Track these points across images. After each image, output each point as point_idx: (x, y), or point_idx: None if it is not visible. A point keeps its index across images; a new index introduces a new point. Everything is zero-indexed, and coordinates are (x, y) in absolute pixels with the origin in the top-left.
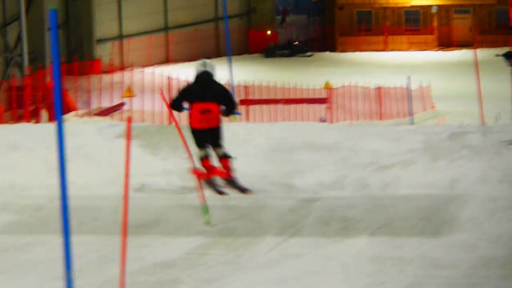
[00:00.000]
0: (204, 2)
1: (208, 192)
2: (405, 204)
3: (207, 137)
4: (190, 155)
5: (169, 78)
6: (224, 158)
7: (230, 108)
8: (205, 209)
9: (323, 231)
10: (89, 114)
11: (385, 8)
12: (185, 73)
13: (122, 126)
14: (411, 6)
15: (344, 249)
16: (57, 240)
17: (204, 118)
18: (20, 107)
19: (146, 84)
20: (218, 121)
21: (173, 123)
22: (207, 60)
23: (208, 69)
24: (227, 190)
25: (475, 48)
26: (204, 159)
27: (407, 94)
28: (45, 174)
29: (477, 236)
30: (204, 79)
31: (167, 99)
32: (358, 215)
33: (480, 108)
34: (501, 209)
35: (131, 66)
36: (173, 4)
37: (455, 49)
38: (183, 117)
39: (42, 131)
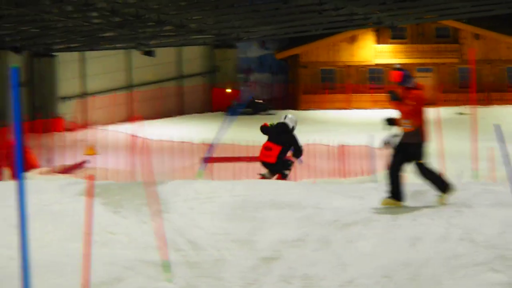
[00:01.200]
0: (167, 60)
1: (170, 249)
2: (368, 261)
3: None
4: (153, 213)
5: (132, 136)
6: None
7: (296, 152)
8: (166, 266)
9: None
10: (52, 171)
11: (349, 66)
12: (149, 130)
13: (84, 184)
14: (375, 65)
15: None
16: None
17: (265, 153)
18: None
19: (109, 141)
20: (275, 159)
21: (138, 180)
22: (290, 115)
23: (286, 121)
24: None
25: (437, 106)
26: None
27: (370, 152)
28: (5, 232)
29: None
30: (279, 127)
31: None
32: (321, 273)
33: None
34: (461, 267)
35: (95, 123)
36: (137, 62)
37: None
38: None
39: (3, 189)
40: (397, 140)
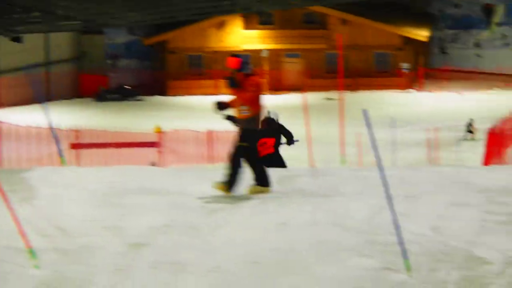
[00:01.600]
0: (34, 46)
1: (38, 236)
2: (235, 247)
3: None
4: (20, 199)
5: None
6: None
7: (288, 137)
8: (33, 253)
9: (154, 275)
10: None
11: (217, 52)
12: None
13: None
14: (242, 50)
15: None
16: None
17: (263, 148)
18: None
19: None
20: (274, 149)
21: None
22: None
23: (271, 116)
24: None
25: (304, 92)
26: None
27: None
28: None
29: (305, 279)
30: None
31: None
32: (189, 259)
33: (310, 151)
34: (329, 252)
35: None
36: (3, 48)
37: (285, 93)
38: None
39: None
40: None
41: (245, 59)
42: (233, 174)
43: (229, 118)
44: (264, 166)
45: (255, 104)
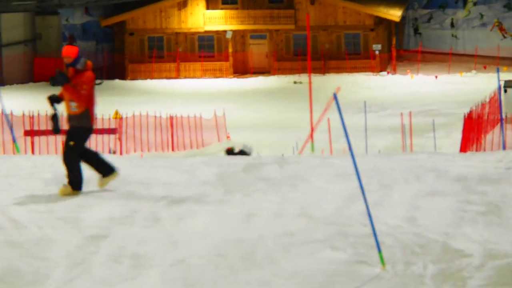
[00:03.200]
0: None
1: None
2: (200, 239)
3: None
4: None
5: None
6: None
7: None
8: None
9: (113, 268)
10: None
11: (178, 33)
12: None
13: None
14: (205, 31)
15: None
16: None
17: None
18: None
19: None
20: None
21: None
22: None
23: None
24: None
25: (271, 74)
26: None
27: (200, 124)
28: None
29: (273, 273)
30: None
31: None
32: (150, 251)
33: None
34: (297, 244)
35: None
36: None
37: (251, 76)
38: None
39: None
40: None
41: (81, 53)
42: (74, 172)
43: (54, 116)
44: (97, 155)
45: (87, 100)
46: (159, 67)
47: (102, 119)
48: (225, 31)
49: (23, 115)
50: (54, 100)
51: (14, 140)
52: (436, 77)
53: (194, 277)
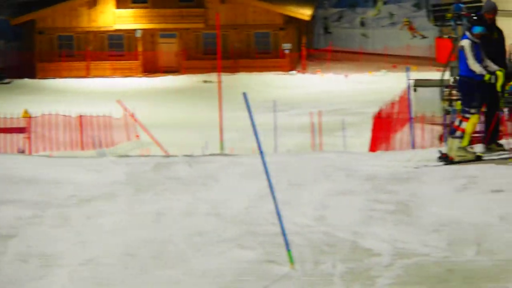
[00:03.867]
0: None
1: None
2: (109, 238)
3: None
4: None
5: None
6: None
7: None
8: None
9: (21, 268)
10: None
11: (88, 32)
12: None
13: None
14: (115, 30)
15: None
16: None
17: None
18: None
19: None
20: None
21: None
22: None
23: None
24: None
25: (181, 74)
26: None
27: (110, 123)
28: None
29: (183, 272)
30: None
31: None
32: (59, 251)
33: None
34: (207, 244)
35: None
36: None
37: (161, 75)
38: None
39: None
40: None
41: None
42: None
43: None
44: None
45: None
46: (69, 66)
47: (11, 118)
48: (135, 30)
49: None
50: None
51: None
52: (346, 76)
53: (103, 276)
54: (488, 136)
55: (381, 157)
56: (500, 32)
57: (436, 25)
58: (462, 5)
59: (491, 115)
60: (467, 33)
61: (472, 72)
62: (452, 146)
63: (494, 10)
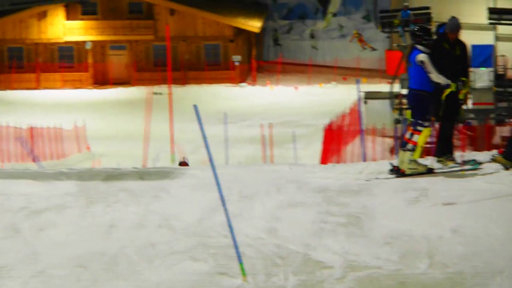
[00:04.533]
0: None
1: None
2: (61, 250)
3: None
4: None
5: None
6: None
7: None
8: None
9: None
10: None
11: (37, 44)
12: None
13: None
14: (65, 42)
15: None
16: None
17: None
18: None
19: None
20: None
21: None
22: None
23: None
24: None
25: (131, 85)
26: None
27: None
28: None
29: (136, 284)
30: None
31: None
32: (10, 263)
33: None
34: (159, 256)
35: None
36: None
37: (111, 87)
38: None
39: None
40: None
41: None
42: None
43: None
44: None
45: None
46: (19, 78)
47: None
48: (85, 42)
49: None
50: None
51: None
52: (296, 88)
53: None
54: (442, 148)
55: (332, 170)
56: (463, 47)
57: (383, 32)
58: (409, 12)
59: (448, 127)
60: (419, 47)
61: (427, 84)
62: (404, 159)
63: (458, 29)
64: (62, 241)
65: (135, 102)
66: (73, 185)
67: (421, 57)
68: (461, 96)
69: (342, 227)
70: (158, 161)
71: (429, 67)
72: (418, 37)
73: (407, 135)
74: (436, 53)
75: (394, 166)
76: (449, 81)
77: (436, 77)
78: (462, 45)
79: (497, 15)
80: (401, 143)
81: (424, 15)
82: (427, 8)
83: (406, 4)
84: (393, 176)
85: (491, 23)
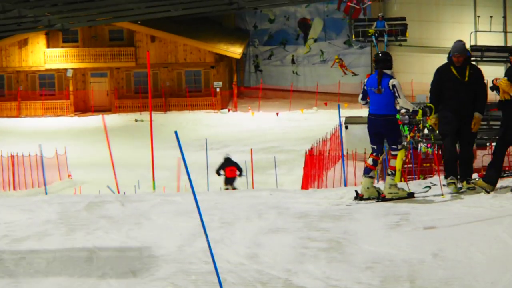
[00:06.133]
0: None
1: None
2: (42, 278)
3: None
4: None
5: None
6: None
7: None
8: None
9: None
10: None
11: (19, 72)
12: None
13: None
14: (46, 70)
15: None
16: None
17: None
18: None
19: None
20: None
21: None
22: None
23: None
24: None
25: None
26: None
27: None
28: None
29: None
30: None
31: None
32: None
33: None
34: (141, 283)
35: None
36: None
37: (92, 115)
38: None
39: None
40: None
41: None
42: None
43: None
44: None
45: None
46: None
47: None
48: (66, 69)
49: None
50: None
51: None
52: (277, 114)
53: None
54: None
55: (313, 195)
56: (476, 75)
57: (357, 41)
58: (384, 22)
59: (467, 150)
60: (388, 72)
61: (396, 109)
62: (366, 185)
63: (458, 51)
64: (44, 269)
65: (116, 129)
66: (54, 213)
67: (394, 82)
68: (429, 122)
69: (323, 252)
70: (139, 187)
71: (400, 92)
72: (387, 62)
73: (370, 162)
74: (442, 76)
75: (359, 194)
76: (416, 107)
77: (404, 102)
78: (475, 72)
79: (480, 52)
80: (364, 170)
81: (399, 26)
82: (403, 19)
83: (381, 14)
84: (355, 202)
85: (474, 61)
